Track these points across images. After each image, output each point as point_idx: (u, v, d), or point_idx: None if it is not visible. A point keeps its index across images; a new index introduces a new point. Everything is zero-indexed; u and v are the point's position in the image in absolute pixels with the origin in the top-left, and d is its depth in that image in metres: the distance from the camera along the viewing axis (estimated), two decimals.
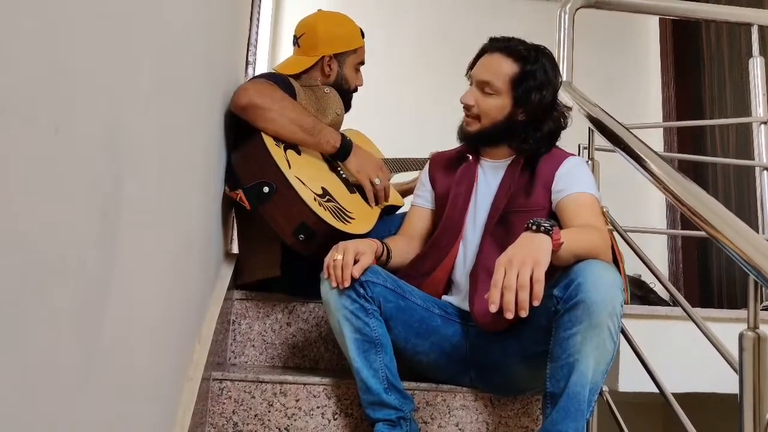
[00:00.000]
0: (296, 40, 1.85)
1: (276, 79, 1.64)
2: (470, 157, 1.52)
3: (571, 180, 1.37)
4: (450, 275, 1.47)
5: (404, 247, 1.52)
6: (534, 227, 1.13)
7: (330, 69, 1.80)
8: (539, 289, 1.05)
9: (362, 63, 1.88)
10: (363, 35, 1.87)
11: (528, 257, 1.07)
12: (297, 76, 1.77)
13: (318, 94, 1.75)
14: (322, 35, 1.80)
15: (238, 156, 1.53)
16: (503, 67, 1.41)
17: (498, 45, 1.44)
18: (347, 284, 1.28)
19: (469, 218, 1.46)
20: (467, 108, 1.45)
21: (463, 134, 1.49)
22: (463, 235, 1.46)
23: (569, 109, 1.50)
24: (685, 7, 2.08)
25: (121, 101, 0.68)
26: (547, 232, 1.12)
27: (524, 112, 1.41)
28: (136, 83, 0.73)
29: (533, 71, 1.39)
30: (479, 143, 1.48)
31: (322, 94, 1.75)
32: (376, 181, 1.67)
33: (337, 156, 1.65)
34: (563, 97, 1.63)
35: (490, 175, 1.48)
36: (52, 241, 0.52)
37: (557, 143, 1.49)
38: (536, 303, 1.05)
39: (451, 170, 1.55)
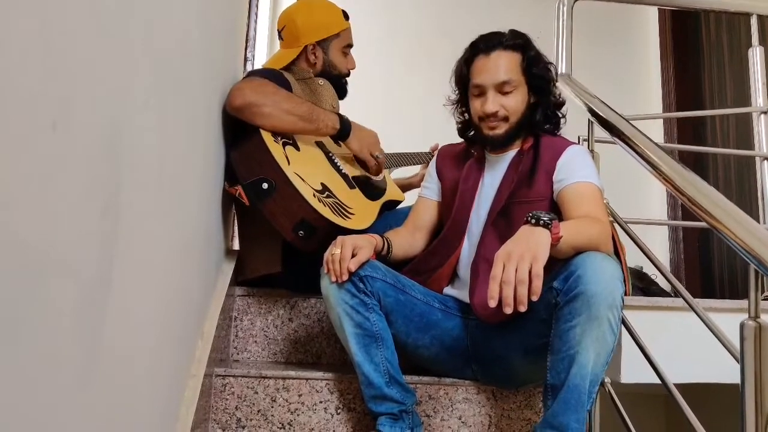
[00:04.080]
0: (279, 34, 1.84)
1: (270, 74, 1.63)
2: (475, 153, 1.52)
3: (573, 169, 1.36)
4: (455, 269, 1.47)
5: (407, 238, 1.53)
6: (533, 221, 1.12)
7: (315, 57, 1.80)
8: (538, 284, 1.04)
9: (350, 45, 1.86)
10: (347, 17, 1.85)
11: (527, 252, 1.07)
12: (288, 69, 1.77)
13: (312, 87, 1.75)
14: (301, 25, 1.79)
15: (237, 153, 1.53)
16: (512, 61, 1.42)
17: (491, 44, 1.43)
18: (345, 278, 1.28)
19: (473, 211, 1.46)
20: (492, 115, 1.41)
21: (490, 140, 1.44)
22: (468, 230, 1.46)
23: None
24: None
25: (120, 98, 0.68)
26: (546, 225, 1.11)
27: (535, 95, 1.45)
28: (135, 80, 0.73)
29: (534, 55, 1.43)
30: (509, 142, 1.46)
31: (316, 86, 1.75)
32: (378, 155, 1.73)
33: (338, 137, 1.66)
34: (563, 89, 1.63)
35: (495, 168, 1.48)
36: (52, 238, 0.52)
37: (561, 135, 1.49)
38: (534, 298, 1.04)
39: (458, 164, 1.55)
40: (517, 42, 1.43)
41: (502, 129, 1.43)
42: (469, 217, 1.46)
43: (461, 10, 3.44)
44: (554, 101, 1.48)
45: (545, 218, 1.11)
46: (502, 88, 1.41)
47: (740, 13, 2.13)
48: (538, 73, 1.43)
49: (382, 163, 1.75)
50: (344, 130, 1.65)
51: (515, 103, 1.42)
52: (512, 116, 1.42)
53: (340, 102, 1.84)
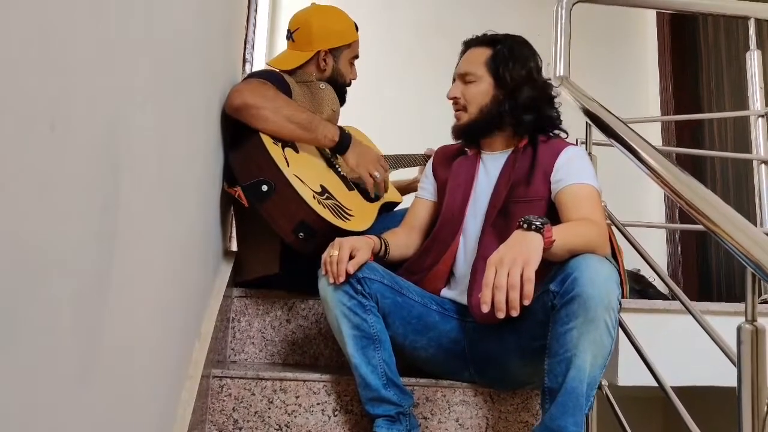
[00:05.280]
0: (290, 35, 1.84)
1: (270, 76, 1.63)
2: (468, 151, 1.53)
3: (570, 170, 1.37)
4: (451, 269, 1.47)
5: (404, 239, 1.53)
6: (525, 225, 1.13)
7: (325, 64, 1.80)
8: (529, 288, 1.05)
9: (356, 57, 1.88)
10: (357, 29, 1.86)
11: (518, 256, 1.07)
12: (292, 72, 1.77)
13: (313, 90, 1.74)
14: (317, 30, 1.79)
15: (237, 155, 1.53)
16: (478, 55, 1.49)
17: (471, 41, 1.53)
18: (342, 279, 1.28)
19: (469, 211, 1.46)
20: (454, 102, 1.51)
21: (455, 130, 1.52)
22: (463, 229, 1.46)
23: (551, 86, 1.52)
24: (681, 1, 2.08)
25: (120, 98, 0.68)
26: (538, 230, 1.12)
27: (504, 92, 1.45)
28: (134, 80, 0.73)
29: (502, 49, 1.47)
30: (472, 134, 1.50)
31: (317, 89, 1.75)
32: (376, 174, 1.67)
33: (336, 149, 1.65)
34: (561, 92, 1.63)
35: (490, 167, 1.48)
36: (51, 238, 0.52)
37: (558, 135, 1.50)
38: (526, 302, 1.05)
39: (452, 163, 1.56)
40: (489, 38, 1.50)
41: (463, 119, 1.50)
42: (464, 216, 1.46)
43: (461, 10, 3.45)
44: (524, 100, 1.43)
45: (537, 223, 1.12)
46: (464, 78, 1.49)
47: (738, 16, 2.14)
48: (502, 68, 1.44)
49: (380, 184, 1.68)
50: (343, 143, 1.63)
51: (474, 93, 1.47)
52: (470, 105, 1.47)
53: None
